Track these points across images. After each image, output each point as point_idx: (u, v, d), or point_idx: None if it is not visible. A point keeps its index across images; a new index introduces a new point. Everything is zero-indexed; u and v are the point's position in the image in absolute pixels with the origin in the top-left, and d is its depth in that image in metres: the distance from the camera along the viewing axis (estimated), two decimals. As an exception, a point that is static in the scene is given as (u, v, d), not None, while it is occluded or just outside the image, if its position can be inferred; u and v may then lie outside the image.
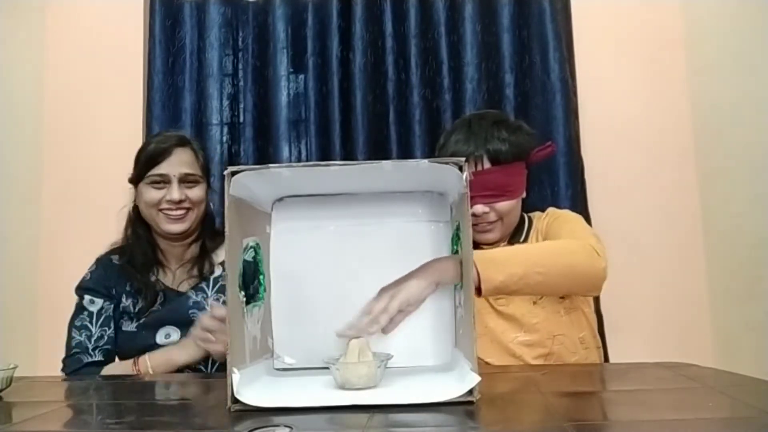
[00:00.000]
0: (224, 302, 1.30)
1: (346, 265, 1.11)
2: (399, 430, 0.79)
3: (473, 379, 0.84)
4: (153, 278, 1.48)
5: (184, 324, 1.39)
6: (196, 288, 1.48)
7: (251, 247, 1.03)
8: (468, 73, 1.99)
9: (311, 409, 0.84)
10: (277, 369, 1.10)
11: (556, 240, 1.35)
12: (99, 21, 2.13)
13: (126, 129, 2.09)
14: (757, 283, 1.71)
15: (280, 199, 1.12)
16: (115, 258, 1.50)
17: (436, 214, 1.12)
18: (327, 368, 0.98)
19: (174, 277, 1.50)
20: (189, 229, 1.47)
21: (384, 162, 0.93)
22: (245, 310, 0.99)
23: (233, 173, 0.89)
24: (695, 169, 2.01)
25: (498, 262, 1.14)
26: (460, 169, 0.91)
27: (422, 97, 2.00)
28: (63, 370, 1.43)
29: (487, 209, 1.37)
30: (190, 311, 1.43)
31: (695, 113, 2.01)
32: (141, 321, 1.44)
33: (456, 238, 1.07)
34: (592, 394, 1.00)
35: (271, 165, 0.93)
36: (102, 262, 1.51)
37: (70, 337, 1.44)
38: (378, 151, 1.97)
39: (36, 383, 1.22)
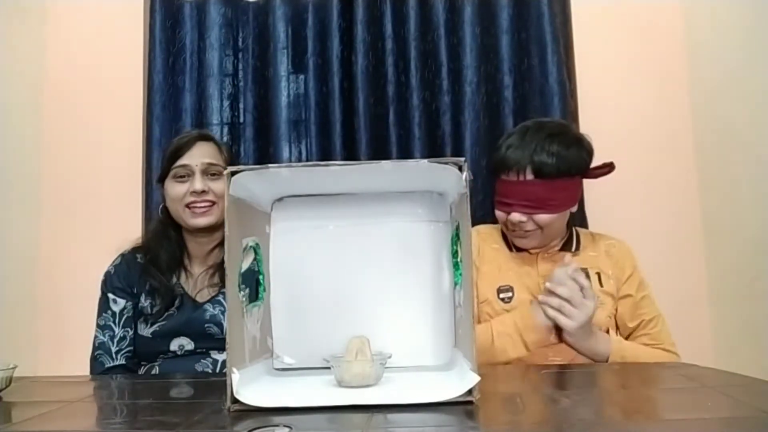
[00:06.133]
0: None
1: (346, 265, 1.11)
2: (399, 430, 0.79)
3: (473, 379, 0.84)
4: (174, 280, 1.48)
5: (199, 336, 1.42)
6: (213, 301, 1.46)
7: (251, 247, 1.03)
8: (467, 76, 1.99)
9: (311, 409, 0.84)
10: (277, 369, 1.10)
11: (659, 352, 1.43)
12: (99, 21, 2.13)
13: (126, 129, 2.09)
14: (757, 283, 1.71)
15: (280, 199, 1.12)
16: (140, 256, 1.51)
17: (436, 214, 1.12)
18: (327, 368, 0.99)
19: (195, 283, 1.49)
20: (215, 223, 1.46)
21: (384, 162, 0.93)
22: (245, 310, 0.99)
23: (233, 173, 0.89)
24: (695, 169, 2.01)
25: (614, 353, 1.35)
26: (460, 169, 0.91)
27: (422, 99, 2.00)
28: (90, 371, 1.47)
29: (524, 219, 1.37)
30: (206, 325, 1.43)
31: (695, 114, 2.01)
32: (156, 328, 1.44)
33: (456, 238, 1.07)
34: (592, 394, 1.00)
35: (270, 165, 0.93)
36: (126, 258, 1.52)
37: (95, 335, 1.47)
38: (378, 153, 1.97)
39: (36, 383, 1.22)
